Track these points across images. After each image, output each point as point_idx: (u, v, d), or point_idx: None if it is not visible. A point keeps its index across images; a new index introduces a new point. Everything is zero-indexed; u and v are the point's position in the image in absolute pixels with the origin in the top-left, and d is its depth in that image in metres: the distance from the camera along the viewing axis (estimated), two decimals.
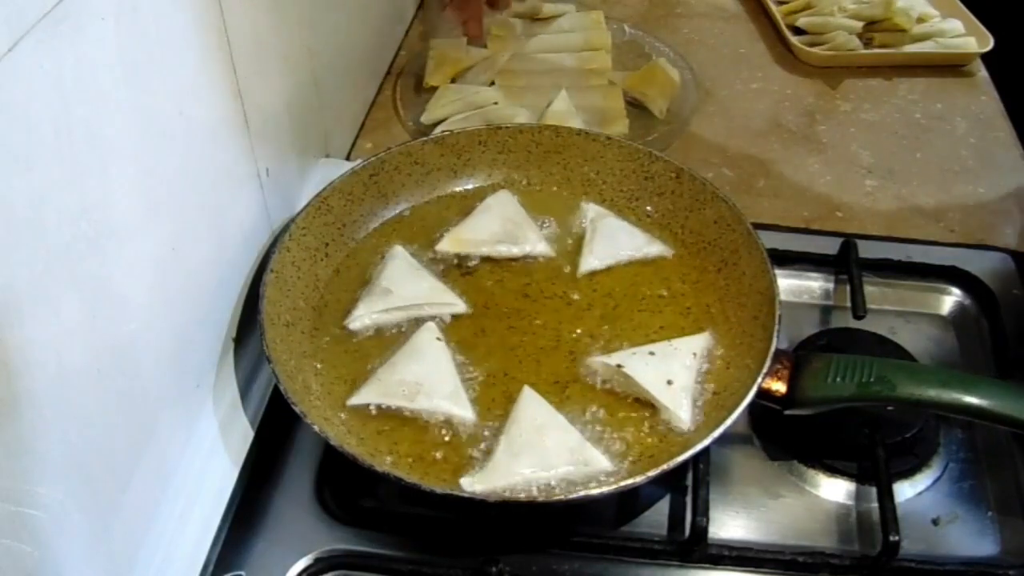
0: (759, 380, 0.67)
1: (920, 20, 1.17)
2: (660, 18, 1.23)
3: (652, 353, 0.71)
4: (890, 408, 0.71)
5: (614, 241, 0.81)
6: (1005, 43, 1.14)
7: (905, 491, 0.71)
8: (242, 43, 0.69)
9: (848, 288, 0.82)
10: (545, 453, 0.65)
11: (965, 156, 1.03)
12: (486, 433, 0.68)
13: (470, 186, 0.88)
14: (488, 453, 0.66)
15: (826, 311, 0.85)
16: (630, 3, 1.26)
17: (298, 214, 0.78)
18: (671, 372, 0.70)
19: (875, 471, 0.68)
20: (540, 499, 0.63)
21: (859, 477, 0.71)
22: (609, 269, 0.80)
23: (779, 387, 0.68)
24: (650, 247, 0.82)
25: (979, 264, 0.87)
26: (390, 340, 0.74)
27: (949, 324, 0.85)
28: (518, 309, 0.77)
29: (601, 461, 0.65)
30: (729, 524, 0.69)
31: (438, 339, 0.73)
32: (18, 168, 0.45)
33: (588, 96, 1.04)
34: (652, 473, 0.61)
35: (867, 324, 0.79)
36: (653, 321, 0.76)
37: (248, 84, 0.71)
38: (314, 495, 0.68)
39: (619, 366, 0.70)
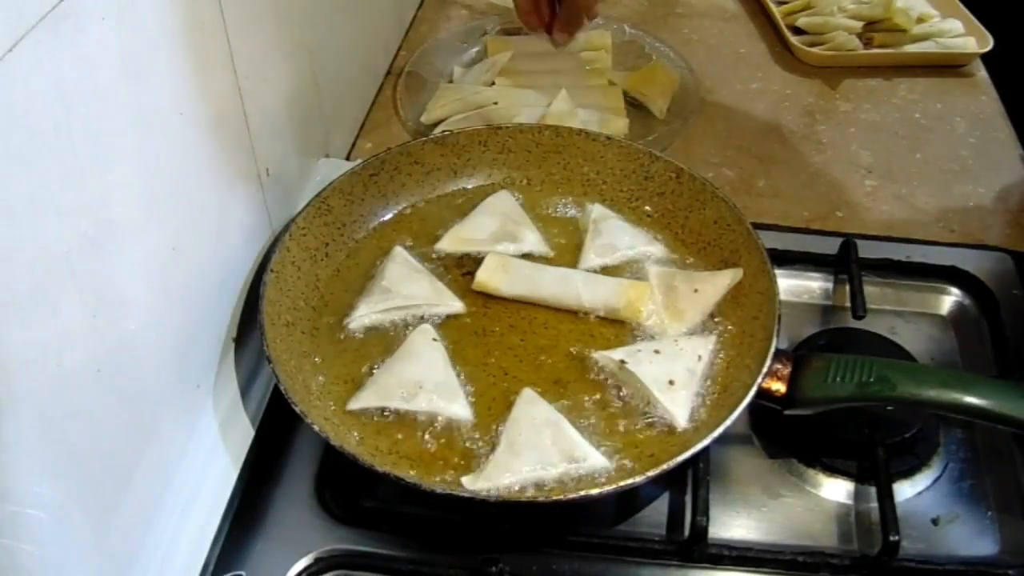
0: (759, 380, 0.67)
1: (920, 20, 1.16)
2: (660, 18, 1.23)
3: (657, 351, 0.71)
4: (890, 408, 0.71)
5: (614, 241, 0.81)
6: (1005, 43, 1.14)
7: (905, 491, 0.71)
8: (242, 43, 0.69)
9: (848, 288, 0.82)
10: (545, 452, 0.65)
11: (965, 156, 1.03)
12: (486, 433, 0.68)
13: (470, 186, 0.88)
14: (488, 453, 0.66)
15: (826, 311, 0.85)
16: (630, 3, 1.26)
17: (298, 214, 0.78)
18: (673, 372, 0.70)
19: (875, 471, 0.68)
20: (540, 499, 0.63)
21: (859, 477, 0.71)
22: (609, 269, 0.80)
23: (779, 387, 0.68)
24: (650, 247, 0.82)
25: (979, 264, 0.87)
26: (390, 340, 0.74)
27: (949, 324, 0.85)
28: (518, 309, 0.77)
29: (601, 460, 0.65)
30: (729, 524, 0.69)
31: (434, 339, 0.73)
32: (18, 168, 0.45)
33: (588, 96, 1.03)
34: (652, 473, 0.61)
35: (867, 324, 0.79)
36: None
37: (248, 84, 0.71)
38: (314, 495, 0.68)
39: (622, 362, 0.70)
